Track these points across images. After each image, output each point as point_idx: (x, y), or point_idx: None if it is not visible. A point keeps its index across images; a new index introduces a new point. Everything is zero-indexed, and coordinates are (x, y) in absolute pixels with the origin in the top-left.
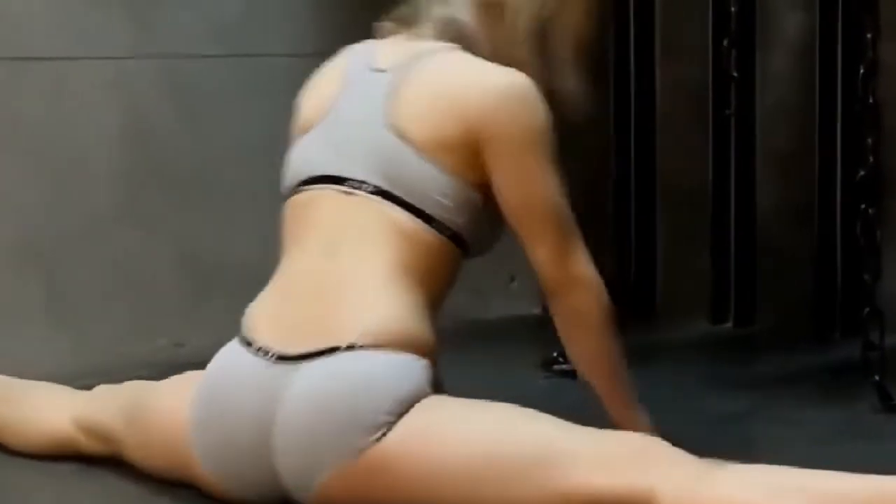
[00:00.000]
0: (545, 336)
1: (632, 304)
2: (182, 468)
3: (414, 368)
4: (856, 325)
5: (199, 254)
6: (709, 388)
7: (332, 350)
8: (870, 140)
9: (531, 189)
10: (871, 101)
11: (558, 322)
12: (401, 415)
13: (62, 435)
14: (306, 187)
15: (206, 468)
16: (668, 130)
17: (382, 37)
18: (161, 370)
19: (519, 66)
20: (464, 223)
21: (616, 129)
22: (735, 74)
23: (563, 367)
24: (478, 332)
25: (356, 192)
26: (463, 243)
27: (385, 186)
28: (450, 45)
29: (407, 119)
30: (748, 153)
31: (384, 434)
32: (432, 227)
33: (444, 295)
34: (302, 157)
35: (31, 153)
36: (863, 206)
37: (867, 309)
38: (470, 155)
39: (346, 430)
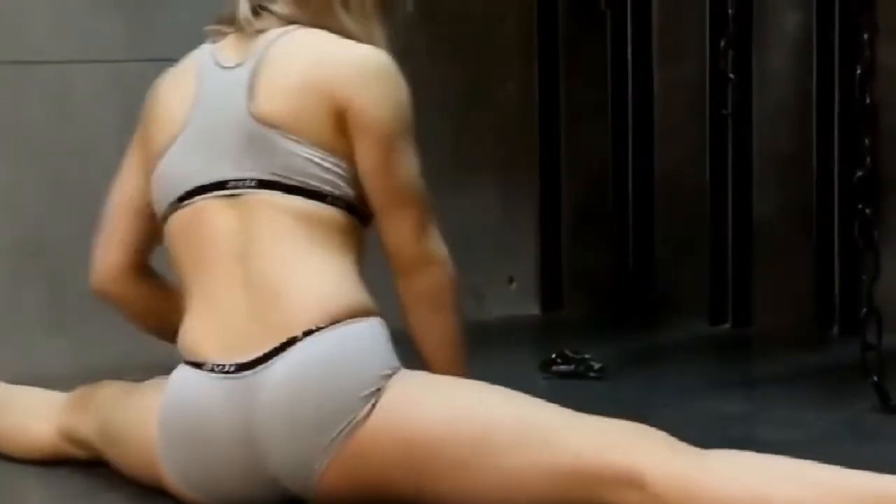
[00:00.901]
0: (544, 337)
1: (630, 306)
2: (159, 482)
3: (378, 330)
4: (854, 326)
5: None
6: (707, 389)
7: (290, 343)
8: (867, 140)
9: (392, 165)
10: (868, 101)
11: (409, 300)
12: (388, 377)
13: (48, 443)
14: (187, 202)
15: (190, 495)
16: (666, 131)
17: (217, 40)
18: (159, 371)
19: (351, 36)
20: (355, 194)
21: (614, 130)
22: (732, 75)
23: (562, 368)
24: (477, 333)
25: (241, 191)
26: (360, 213)
27: (267, 177)
28: (288, 26)
29: (271, 106)
30: (746, 154)
31: (373, 405)
32: (326, 203)
33: (360, 267)
34: (173, 172)
35: (32, 155)
36: (860, 206)
37: (865, 309)
38: (339, 128)
39: (334, 412)
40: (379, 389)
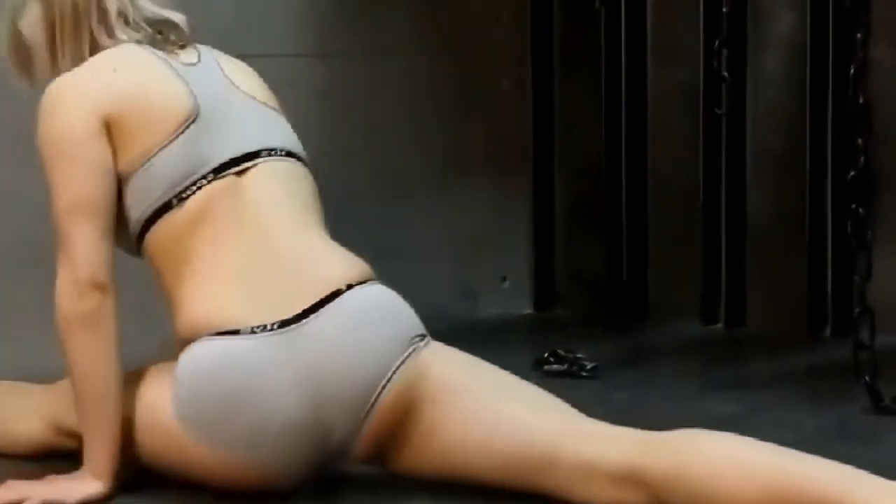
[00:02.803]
0: (537, 336)
1: (623, 305)
2: (181, 463)
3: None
4: (847, 326)
5: None
6: (700, 389)
7: (335, 294)
8: (860, 140)
9: None
10: (861, 101)
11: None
12: (422, 336)
13: (39, 439)
14: (210, 179)
15: (238, 460)
16: (660, 131)
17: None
18: None
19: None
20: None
21: (607, 130)
22: (726, 75)
23: (555, 367)
24: (469, 331)
25: (257, 161)
26: None
27: (279, 145)
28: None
29: (251, 88)
30: (739, 153)
31: (424, 344)
32: (309, 171)
33: None
34: (187, 160)
35: (27, 155)
36: (853, 206)
37: (858, 309)
38: None
39: (390, 352)
40: (424, 335)
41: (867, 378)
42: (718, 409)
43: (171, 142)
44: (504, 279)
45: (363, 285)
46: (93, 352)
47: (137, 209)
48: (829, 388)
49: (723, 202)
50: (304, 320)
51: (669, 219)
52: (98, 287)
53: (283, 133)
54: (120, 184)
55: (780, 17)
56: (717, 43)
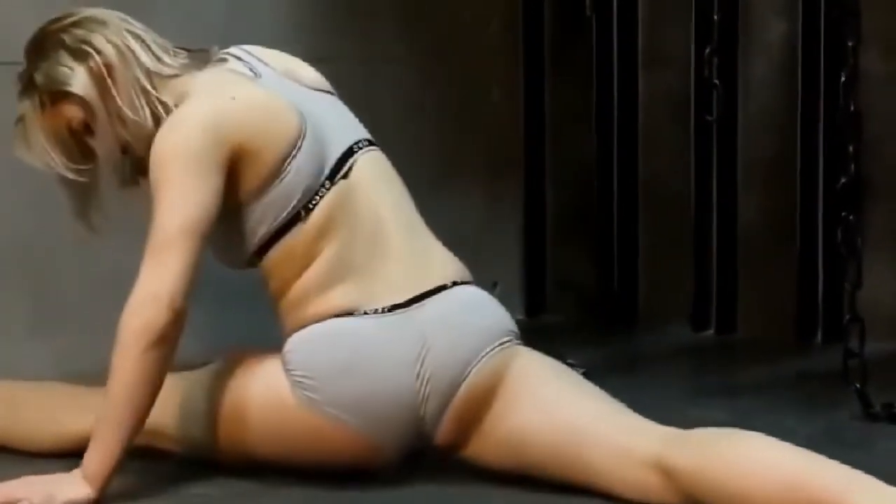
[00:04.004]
0: (527, 342)
1: (614, 312)
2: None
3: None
4: (837, 333)
5: None
6: (690, 396)
7: (442, 288)
8: (851, 148)
9: None
10: (852, 109)
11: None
12: (515, 335)
13: (83, 430)
14: (327, 186)
15: (345, 426)
16: (651, 138)
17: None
18: None
19: None
20: None
21: (599, 136)
22: (717, 82)
23: None
24: None
25: (359, 154)
26: None
27: (366, 136)
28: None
29: (311, 80)
30: (730, 161)
31: (511, 341)
32: None
33: None
34: (309, 165)
35: (16, 161)
36: (844, 213)
37: (848, 316)
38: None
39: (480, 341)
40: (516, 334)
41: (857, 385)
42: (709, 416)
43: (293, 157)
44: (495, 285)
45: (466, 285)
46: (151, 370)
47: (265, 223)
48: (819, 395)
49: (714, 209)
50: (413, 305)
51: (660, 225)
52: (181, 310)
53: (353, 120)
54: (240, 205)
55: (771, 24)
56: (707, 50)
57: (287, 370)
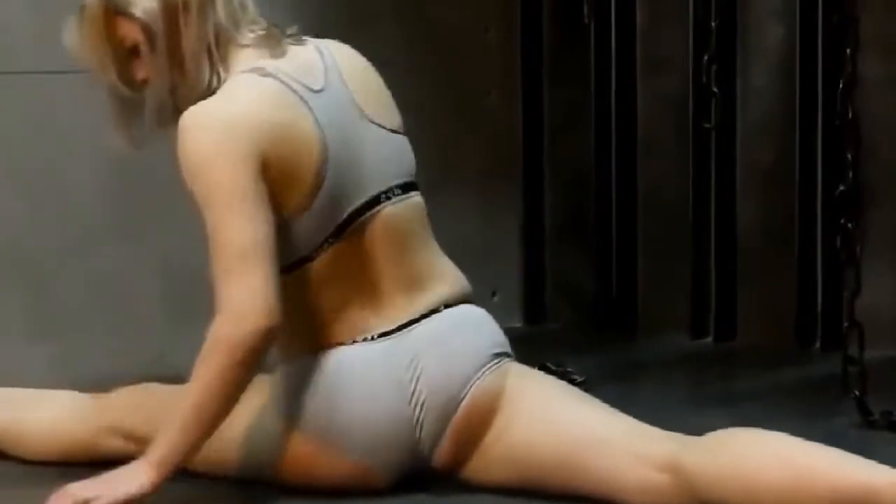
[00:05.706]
0: (526, 350)
1: (613, 319)
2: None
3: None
4: (836, 340)
5: (182, 268)
6: (689, 403)
7: (433, 311)
8: (850, 155)
9: None
10: (850, 115)
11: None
12: (507, 354)
13: (80, 441)
14: (359, 217)
15: (350, 457)
16: (649, 145)
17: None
18: (140, 381)
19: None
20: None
21: (597, 144)
22: (715, 89)
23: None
24: None
25: (391, 200)
26: None
27: (404, 180)
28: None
29: (377, 112)
30: (729, 167)
31: (502, 361)
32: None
33: None
34: (340, 189)
35: (14, 166)
36: (842, 220)
37: (847, 324)
38: None
39: (472, 360)
40: (508, 352)
41: (856, 392)
42: (708, 423)
43: (308, 209)
44: (494, 293)
45: (457, 307)
46: (236, 381)
47: (303, 247)
48: (818, 403)
49: (712, 216)
50: (403, 330)
51: (659, 232)
52: (274, 329)
53: (404, 161)
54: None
55: (770, 31)
56: (706, 57)
57: (277, 405)
